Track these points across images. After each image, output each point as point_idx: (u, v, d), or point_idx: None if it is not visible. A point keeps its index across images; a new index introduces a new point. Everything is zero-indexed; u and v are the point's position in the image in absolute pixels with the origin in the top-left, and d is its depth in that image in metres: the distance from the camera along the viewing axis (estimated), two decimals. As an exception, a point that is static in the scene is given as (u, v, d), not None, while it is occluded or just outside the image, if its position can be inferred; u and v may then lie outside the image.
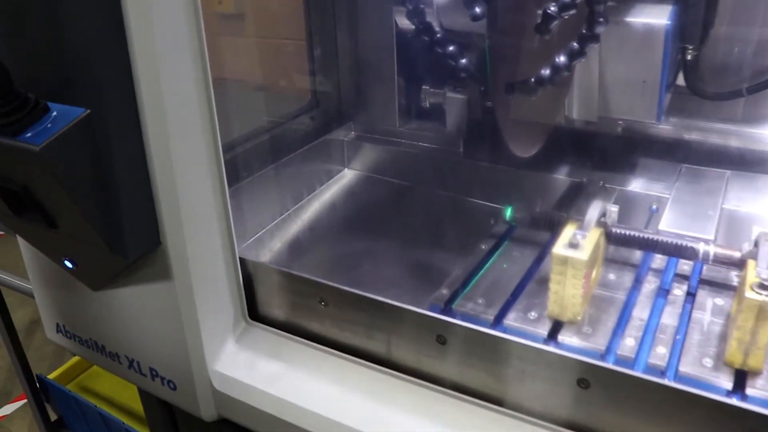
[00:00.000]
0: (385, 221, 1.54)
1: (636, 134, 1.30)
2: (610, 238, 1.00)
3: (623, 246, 1.02)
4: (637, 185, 1.32)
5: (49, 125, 0.72)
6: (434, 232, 1.45)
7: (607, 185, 1.31)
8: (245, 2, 1.66)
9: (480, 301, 1.00)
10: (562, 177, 1.38)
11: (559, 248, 0.89)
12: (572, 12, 0.96)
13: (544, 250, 1.11)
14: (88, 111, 0.72)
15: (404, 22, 1.43)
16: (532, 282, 1.04)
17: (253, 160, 1.43)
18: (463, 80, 1.43)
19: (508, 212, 1.11)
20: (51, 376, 2.22)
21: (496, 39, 1.11)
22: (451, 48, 1.17)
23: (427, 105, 1.64)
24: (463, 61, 1.17)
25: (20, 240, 1.04)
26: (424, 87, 1.63)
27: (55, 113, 0.74)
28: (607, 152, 1.33)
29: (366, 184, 1.70)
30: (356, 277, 1.29)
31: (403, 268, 1.32)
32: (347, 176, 1.73)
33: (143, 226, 0.79)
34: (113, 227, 0.78)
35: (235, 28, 1.67)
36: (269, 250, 1.39)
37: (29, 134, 0.72)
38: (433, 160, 1.64)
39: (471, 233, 1.26)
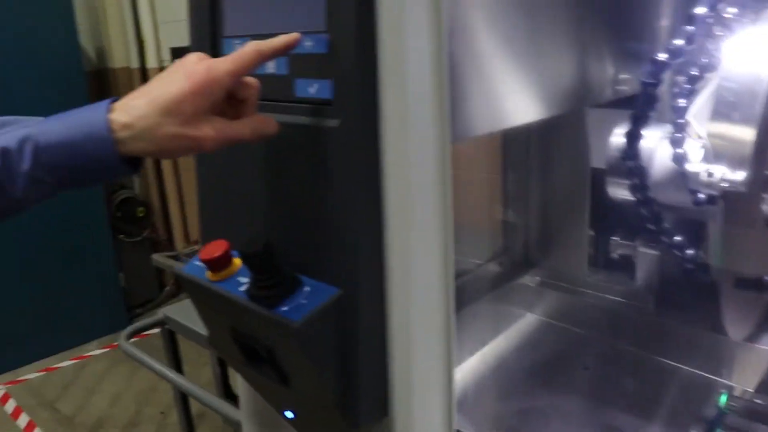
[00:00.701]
0: (569, 374, 1.50)
1: None
2: None
3: None
4: None
5: (303, 301, 0.79)
6: (623, 392, 1.40)
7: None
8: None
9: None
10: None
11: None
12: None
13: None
14: (341, 291, 0.78)
15: (598, 167, 1.45)
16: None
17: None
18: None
19: (723, 399, 1.05)
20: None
21: (725, 227, 1.09)
22: (666, 225, 1.16)
23: (616, 257, 1.62)
24: (678, 238, 1.16)
25: (240, 378, 1.12)
26: (613, 238, 1.62)
27: (308, 288, 0.81)
28: None
29: (549, 331, 1.68)
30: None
31: (595, 433, 1.28)
32: (530, 322, 1.72)
33: (376, 396, 0.83)
34: (349, 395, 0.82)
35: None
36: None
37: (285, 308, 0.79)
38: (620, 313, 1.60)
39: (665, 399, 1.21)
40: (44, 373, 3.94)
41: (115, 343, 4.12)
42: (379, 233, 0.77)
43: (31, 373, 3.93)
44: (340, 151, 0.75)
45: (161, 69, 4.25)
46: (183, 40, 3.84)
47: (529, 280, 1.75)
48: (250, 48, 0.73)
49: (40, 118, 0.76)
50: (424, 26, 0.71)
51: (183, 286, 0.95)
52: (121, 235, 4.38)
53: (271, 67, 0.83)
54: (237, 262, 0.88)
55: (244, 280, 0.85)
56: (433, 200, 0.78)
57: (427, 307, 0.82)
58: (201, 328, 1.87)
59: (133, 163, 0.74)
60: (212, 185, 0.95)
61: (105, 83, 4.61)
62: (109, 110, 0.72)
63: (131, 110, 0.71)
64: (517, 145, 1.69)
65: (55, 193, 0.75)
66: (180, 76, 0.70)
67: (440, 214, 0.79)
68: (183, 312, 1.89)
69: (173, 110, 0.69)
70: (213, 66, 0.71)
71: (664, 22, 1.25)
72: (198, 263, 0.92)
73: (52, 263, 3.95)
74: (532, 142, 1.68)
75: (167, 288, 4.66)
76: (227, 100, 0.75)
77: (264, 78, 0.84)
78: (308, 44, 0.77)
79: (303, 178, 0.80)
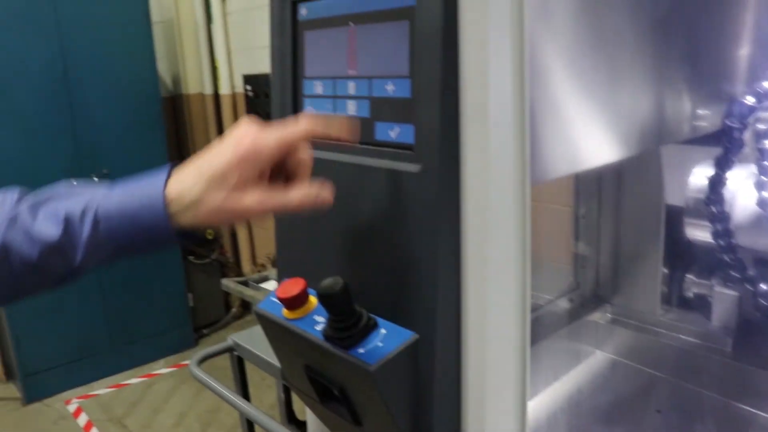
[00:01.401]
0: (640, 416, 1.46)
1: None
2: None
3: None
4: None
5: (379, 344, 0.79)
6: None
7: None
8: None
9: None
10: None
11: None
12: None
13: None
14: (418, 336, 0.78)
15: (673, 204, 1.41)
16: None
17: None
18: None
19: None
20: None
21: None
22: (747, 268, 1.13)
23: (691, 296, 1.57)
24: (760, 282, 1.12)
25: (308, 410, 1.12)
26: (688, 276, 1.57)
27: (384, 331, 0.81)
28: None
29: (620, 370, 1.64)
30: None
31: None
32: (600, 360, 1.68)
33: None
34: (420, 437, 0.82)
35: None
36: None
37: (361, 350, 0.79)
38: (695, 355, 1.55)
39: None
40: (114, 389, 4.05)
41: (183, 363, 4.21)
42: (457, 277, 0.77)
43: (102, 389, 4.04)
44: (421, 195, 0.75)
45: (233, 96, 4.36)
46: (255, 67, 3.95)
47: (600, 317, 1.72)
48: (301, 124, 0.74)
49: (101, 185, 0.79)
50: (508, 72, 0.71)
51: (259, 321, 0.96)
52: (191, 257, 4.48)
53: (352, 110, 0.84)
54: (313, 300, 0.89)
55: (320, 319, 0.86)
56: (512, 245, 0.77)
57: (502, 350, 0.81)
58: (269, 356, 1.90)
59: (188, 235, 0.76)
60: (290, 222, 0.97)
61: (179, 108, 4.75)
62: (166, 183, 0.74)
63: (182, 183, 0.73)
64: (589, 177, 1.66)
65: (112, 260, 0.78)
66: (227, 146, 0.72)
67: (519, 258, 0.78)
68: (251, 339, 1.92)
69: (219, 180, 0.70)
70: (259, 138, 0.72)
71: (744, 51, 1.22)
72: (274, 300, 0.93)
73: (125, 282, 4.07)
74: (604, 175, 1.65)
75: (233, 310, 4.74)
76: (281, 168, 0.77)
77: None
78: (390, 88, 0.78)
79: (382, 220, 0.81)
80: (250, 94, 3.98)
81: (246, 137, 0.72)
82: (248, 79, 3.99)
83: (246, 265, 4.68)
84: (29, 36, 3.56)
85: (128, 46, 3.91)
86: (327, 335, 0.82)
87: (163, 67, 4.51)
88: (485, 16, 0.69)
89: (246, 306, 4.82)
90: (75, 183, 0.80)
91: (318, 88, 0.89)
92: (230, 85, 4.38)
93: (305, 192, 0.75)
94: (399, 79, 0.77)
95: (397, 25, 0.76)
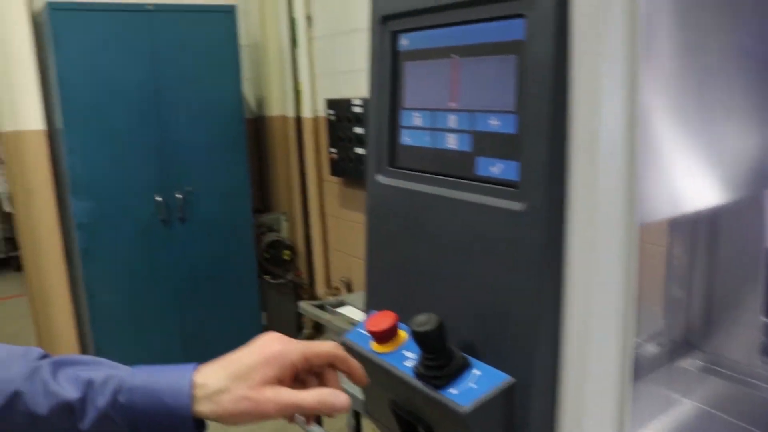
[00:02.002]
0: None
1: None
2: None
3: None
4: None
5: (472, 385, 0.76)
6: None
7: None
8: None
9: None
10: None
11: None
12: None
13: None
14: (514, 380, 0.75)
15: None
16: None
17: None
18: None
19: None
20: None
21: None
22: None
23: (792, 346, 1.48)
24: None
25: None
26: (789, 325, 1.49)
27: (477, 372, 0.78)
28: None
29: (709, 422, 1.55)
30: None
31: None
32: (688, 410, 1.60)
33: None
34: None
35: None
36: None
37: (453, 390, 0.77)
38: (795, 410, 1.46)
39: None
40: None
41: (253, 381, 4.24)
42: (557, 320, 0.74)
43: (174, 402, 4.10)
44: (524, 234, 0.73)
45: (315, 119, 4.43)
46: (338, 92, 3.99)
47: (690, 363, 1.64)
48: (328, 347, 0.79)
49: (124, 366, 0.82)
50: (619, 109, 0.68)
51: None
52: (267, 276, 4.54)
53: (452, 143, 0.83)
54: (403, 334, 0.87)
55: (410, 354, 0.84)
56: (617, 288, 0.74)
57: (601, 397, 0.78)
58: (343, 383, 1.88)
59: (199, 424, 0.77)
60: (383, 253, 0.95)
61: (261, 130, 4.85)
62: (194, 371, 0.78)
63: (208, 375, 0.77)
64: (685, 215, 1.60)
65: None
66: (254, 349, 0.77)
67: (624, 303, 0.75)
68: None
69: (243, 376, 0.74)
70: (287, 347, 0.77)
71: None
72: (363, 331, 0.91)
73: (202, 299, 4.16)
74: (701, 214, 1.59)
75: (305, 331, 4.77)
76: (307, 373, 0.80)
77: (444, 152, 0.84)
78: (494, 123, 0.76)
79: (479, 257, 0.79)
80: (333, 118, 4.02)
81: (274, 343, 0.77)
82: (331, 103, 4.04)
83: (320, 288, 4.71)
84: (126, 57, 3.71)
85: (216, 69, 4.02)
86: (418, 373, 0.80)
87: (247, 89, 4.62)
88: (598, 52, 0.67)
89: (318, 328, 4.84)
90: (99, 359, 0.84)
91: (416, 119, 0.88)
92: (312, 108, 4.44)
93: (319, 398, 0.76)
94: (504, 114, 0.75)
95: (504, 59, 0.74)
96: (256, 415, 0.74)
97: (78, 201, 3.67)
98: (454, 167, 0.82)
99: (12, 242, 6.99)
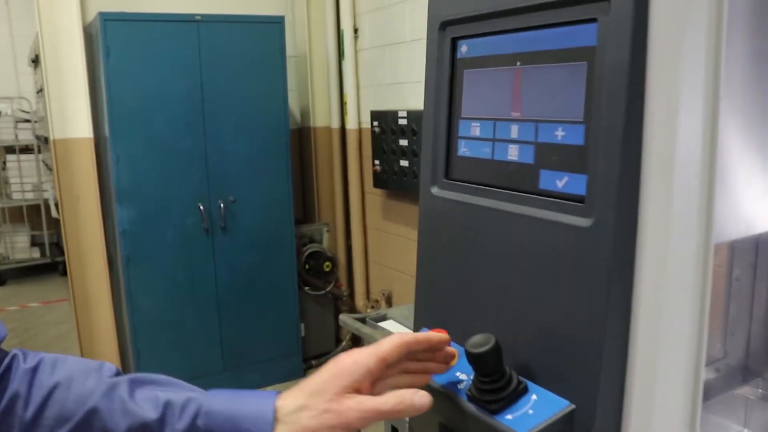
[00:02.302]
0: None
1: None
2: None
3: None
4: None
5: (530, 411, 0.72)
6: None
7: None
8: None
9: None
10: None
11: None
12: None
13: None
14: (574, 407, 0.71)
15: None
16: None
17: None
18: None
19: None
20: None
21: None
22: None
23: None
24: None
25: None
26: None
27: (535, 397, 0.74)
28: None
29: (771, 453, 1.48)
30: None
31: None
32: (748, 439, 1.52)
33: None
34: None
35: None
36: None
37: (509, 416, 0.73)
38: None
39: None
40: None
41: (290, 392, 4.22)
42: (624, 343, 0.69)
43: (211, 411, 4.10)
44: (591, 251, 0.68)
45: (359, 130, 4.42)
46: (383, 104, 3.98)
47: (749, 391, 1.56)
48: (396, 340, 0.77)
49: (203, 390, 0.81)
50: (699, 121, 0.64)
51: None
52: (306, 287, 4.53)
53: (513, 154, 0.79)
54: (455, 354, 0.83)
55: (463, 376, 0.80)
56: (689, 311, 0.69)
57: (668, 426, 0.73)
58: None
59: None
60: (435, 267, 0.92)
61: (305, 140, 4.86)
62: (276, 398, 0.76)
63: (286, 397, 0.75)
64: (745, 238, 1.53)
65: None
66: (328, 367, 0.76)
67: (696, 327, 0.70)
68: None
69: (319, 391, 0.74)
70: (357, 356, 0.76)
71: None
72: (412, 350, 0.88)
73: (242, 307, 4.16)
74: (763, 235, 1.52)
75: (343, 343, 4.74)
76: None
77: (504, 164, 0.80)
78: (560, 134, 0.72)
79: (541, 275, 0.74)
80: (377, 129, 4.01)
81: (345, 357, 0.76)
82: (375, 115, 4.02)
83: (360, 300, 4.68)
84: (173, 67, 3.75)
85: (263, 79, 4.04)
86: (471, 396, 0.76)
87: (293, 100, 4.63)
88: (678, 58, 0.62)
89: (356, 341, 4.81)
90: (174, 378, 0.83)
91: (475, 129, 0.84)
92: (357, 120, 4.43)
93: (399, 399, 0.74)
94: (571, 125, 0.71)
95: (573, 66, 0.70)
96: (340, 426, 0.73)
97: (122, 208, 3.71)
98: (514, 180, 0.78)
99: (58, 247, 7.13)
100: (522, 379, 0.75)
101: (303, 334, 4.51)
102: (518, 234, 0.77)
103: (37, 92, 6.26)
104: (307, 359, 4.60)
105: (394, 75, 4.03)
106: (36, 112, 6.97)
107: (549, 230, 0.73)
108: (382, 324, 2.43)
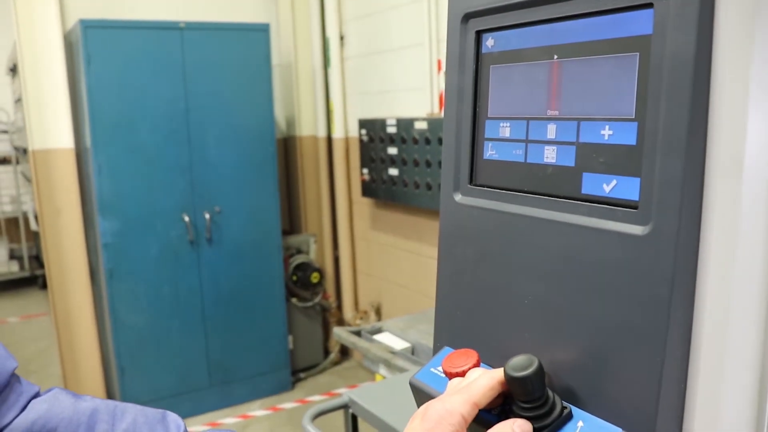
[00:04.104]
0: None
1: None
2: None
3: None
4: None
5: (578, 440, 0.65)
6: None
7: None
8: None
9: None
10: None
11: None
12: None
13: None
14: (625, 433, 0.64)
15: None
16: None
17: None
18: None
19: None
20: None
21: None
22: None
23: None
24: None
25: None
26: None
27: (581, 424, 0.67)
28: None
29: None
30: None
31: None
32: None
33: None
34: None
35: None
36: None
37: (554, 445, 0.66)
38: None
39: None
40: (208, 428, 4.00)
41: (279, 406, 4.14)
42: (684, 365, 0.63)
43: (198, 426, 4.00)
44: (646, 262, 0.61)
45: (346, 139, 4.35)
46: (371, 112, 3.94)
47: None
48: (489, 382, 0.69)
49: None
50: (768, 119, 0.58)
51: (414, 395, 0.84)
52: (294, 299, 4.44)
53: (550, 157, 0.72)
54: (485, 376, 0.75)
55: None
56: (755, 327, 0.63)
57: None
58: (385, 415, 1.77)
59: None
60: (458, 281, 0.84)
61: (291, 149, 4.79)
62: None
63: None
64: None
65: None
66: (419, 421, 0.68)
67: (763, 344, 0.63)
68: (368, 396, 1.80)
69: None
70: (450, 406, 0.67)
71: None
72: (437, 372, 0.80)
73: (228, 321, 4.07)
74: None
75: (332, 355, 4.65)
76: None
77: (539, 167, 0.73)
78: (607, 133, 0.65)
79: (586, 289, 0.67)
80: (365, 138, 3.94)
81: (437, 406, 0.68)
82: (364, 123, 3.95)
83: (348, 311, 4.60)
84: (156, 76, 3.67)
85: (248, 88, 3.96)
86: (510, 423, 0.68)
87: (278, 109, 4.56)
88: (749, 49, 0.56)
89: (344, 352, 4.73)
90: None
91: (505, 130, 0.77)
92: (344, 128, 4.37)
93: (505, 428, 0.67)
94: (620, 123, 0.64)
95: (623, 58, 0.63)
96: None
97: (105, 220, 3.61)
98: (551, 184, 0.71)
99: (38, 260, 6.98)
100: (567, 404, 0.68)
101: (291, 346, 4.43)
102: (558, 243, 0.70)
103: (15, 102, 6.13)
104: (296, 372, 4.51)
105: (382, 83, 3.97)
106: (14, 122, 6.83)
107: (595, 239, 0.66)
108: (377, 337, 2.36)
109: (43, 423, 0.72)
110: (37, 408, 0.73)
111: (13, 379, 0.74)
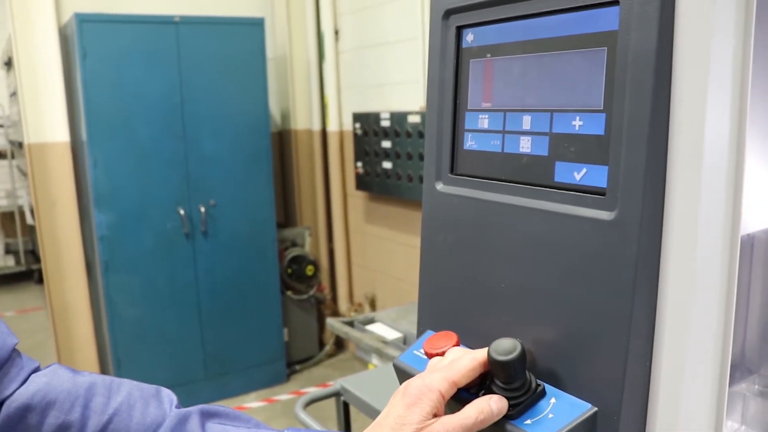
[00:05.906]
0: None
1: None
2: None
3: None
4: None
5: (549, 416, 0.69)
6: None
7: None
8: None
9: None
10: None
11: None
12: None
13: None
14: (596, 409, 0.67)
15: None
16: None
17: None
18: None
19: None
20: None
21: None
22: None
23: None
24: None
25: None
26: None
27: (554, 400, 0.70)
28: None
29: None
30: None
31: None
32: (746, 438, 1.50)
33: None
34: None
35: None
36: None
37: (528, 421, 0.69)
38: None
39: None
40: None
41: (274, 398, 4.18)
42: (650, 343, 0.66)
43: (194, 419, 4.03)
44: (613, 246, 0.65)
45: (341, 133, 4.38)
46: (365, 105, 3.96)
47: (747, 388, 1.54)
48: (471, 362, 0.72)
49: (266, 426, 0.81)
50: (727, 109, 0.61)
51: (398, 376, 0.87)
52: (289, 291, 4.47)
53: (525, 147, 0.75)
54: (464, 356, 0.79)
55: (473, 379, 0.76)
56: (716, 307, 0.66)
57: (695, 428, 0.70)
58: (377, 403, 1.81)
59: None
60: (440, 267, 0.88)
61: (286, 143, 4.81)
62: None
63: None
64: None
65: None
66: (398, 398, 0.71)
67: (722, 325, 0.67)
68: (360, 384, 1.83)
69: (401, 424, 0.69)
70: (428, 381, 0.71)
71: None
72: (418, 354, 0.84)
73: (224, 313, 4.10)
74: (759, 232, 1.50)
75: (327, 347, 4.69)
76: None
77: (515, 157, 0.77)
78: (577, 124, 0.69)
79: (558, 272, 0.71)
80: (359, 131, 3.97)
81: (412, 383, 0.71)
82: (358, 116, 3.98)
83: (343, 304, 4.64)
84: (151, 70, 3.68)
85: (243, 81, 3.98)
86: (487, 401, 0.72)
87: (273, 102, 4.58)
88: (707, 43, 0.59)
89: (339, 344, 4.76)
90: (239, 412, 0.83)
91: (483, 121, 0.81)
92: (338, 122, 4.39)
93: (479, 410, 0.70)
94: (589, 114, 0.67)
95: (592, 52, 0.67)
96: None
97: (100, 213, 3.63)
98: (527, 173, 0.75)
99: (33, 255, 7.00)
100: (540, 382, 0.72)
101: (286, 338, 4.46)
102: (532, 229, 0.73)
103: (11, 95, 6.14)
104: (291, 364, 4.54)
105: (376, 76, 3.99)
106: (9, 116, 6.83)
107: (567, 224, 0.69)
108: (369, 327, 2.40)
109: (43, 395, 0.76)
110: (37, 381, 0.77)
111: (14, 354, 0.78)
